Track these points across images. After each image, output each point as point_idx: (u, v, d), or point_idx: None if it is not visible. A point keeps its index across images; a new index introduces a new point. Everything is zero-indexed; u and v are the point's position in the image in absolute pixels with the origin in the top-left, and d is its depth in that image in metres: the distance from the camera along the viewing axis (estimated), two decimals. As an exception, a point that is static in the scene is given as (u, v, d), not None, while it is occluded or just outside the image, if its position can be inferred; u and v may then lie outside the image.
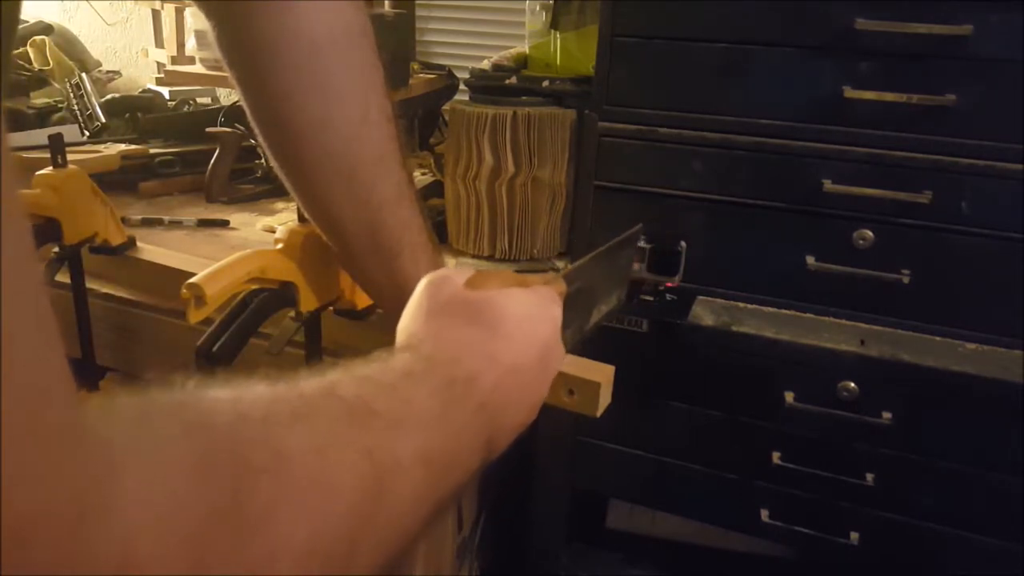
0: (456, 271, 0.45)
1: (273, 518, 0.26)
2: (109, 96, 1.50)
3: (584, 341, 0.59)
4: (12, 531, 0.18)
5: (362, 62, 0.57)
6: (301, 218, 0.67)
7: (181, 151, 1.33)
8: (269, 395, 0.30)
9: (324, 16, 0.54)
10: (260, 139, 0.59)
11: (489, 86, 1.07)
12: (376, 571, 0.31)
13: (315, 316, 0.70)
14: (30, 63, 1.68)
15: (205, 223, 1.15)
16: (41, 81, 1.67)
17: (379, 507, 0.31)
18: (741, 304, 0.94)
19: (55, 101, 1.58)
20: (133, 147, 1.29)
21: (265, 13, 0.53)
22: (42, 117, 1.51)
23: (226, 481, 0.25)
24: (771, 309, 0.93)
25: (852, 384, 0.88)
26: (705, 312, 0.92)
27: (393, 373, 0.36)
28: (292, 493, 0.27)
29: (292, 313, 0.68)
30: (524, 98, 1.04)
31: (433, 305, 0.43)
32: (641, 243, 0.95)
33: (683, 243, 0.94)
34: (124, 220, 1.02)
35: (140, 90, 1.66)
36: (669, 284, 0.96)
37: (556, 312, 0.46)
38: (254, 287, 0.64)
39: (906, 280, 0.85)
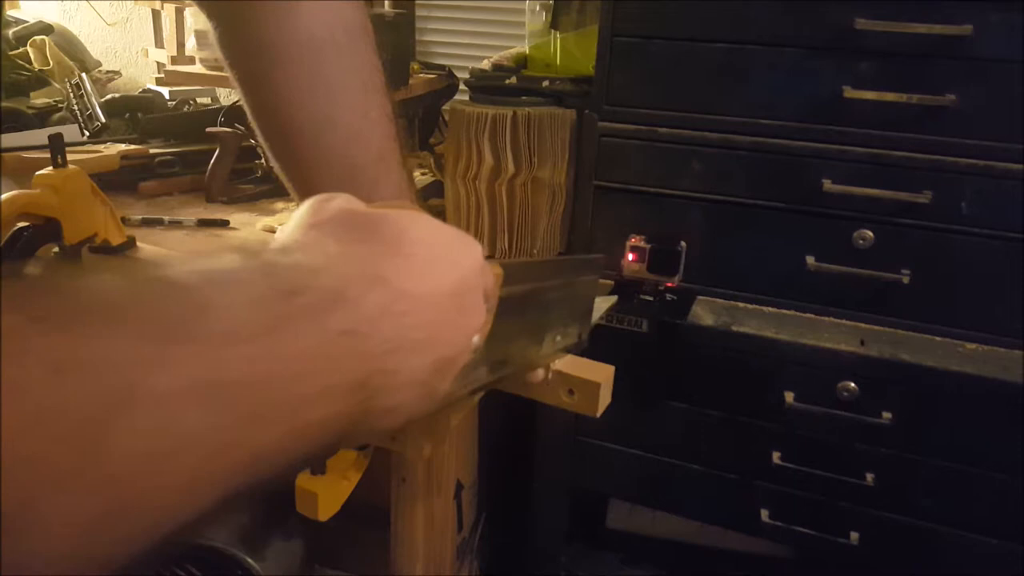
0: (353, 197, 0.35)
1: None
2: (109, 96, 1.50)
3: (524, 370, 0.50)
4: None
5: (362, 62, 0.57)
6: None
7: (181, 151, 1.33)
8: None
9: (325, 15, 0.54)
10: (260, 139, 0.60)
11: (489, 86, 1.07)
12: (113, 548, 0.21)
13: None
14: (30, 63, 1.68)
15: (205, 223, 1.15)
16: (41, 81, 1.68)
17: (89, 460, 0.20)
18: (741, 304, 0.94)
19: (55, 101, 1.58)
20: (133, 147, 1.29)
21: (266, 13, 0.53)
22: (42, 117, 1.51)
23: None
24: (771, 309, 0.93)
25: (852, 384, 0.88)
26: (705, 312, 0.92)
27: (202, 273, 0.26)
28: None
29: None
30: (524, 98, 1.04)
31: (316, 219, 0.32)
32: (641, 243, 0.95)
33: (683, 243, 0.94)
34: (124, 220, 1.02)
35: (140, 90, 1.66)
36: (669, 284, 0.96)
37: (477, 251, 0.36)
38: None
39: (906, 280, 0.85)
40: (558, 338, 0.55)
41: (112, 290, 0.23)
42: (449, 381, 0.34)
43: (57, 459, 0.19)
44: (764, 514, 0.97)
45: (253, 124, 0.59)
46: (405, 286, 0.31)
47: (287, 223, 0.33)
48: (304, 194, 0.61)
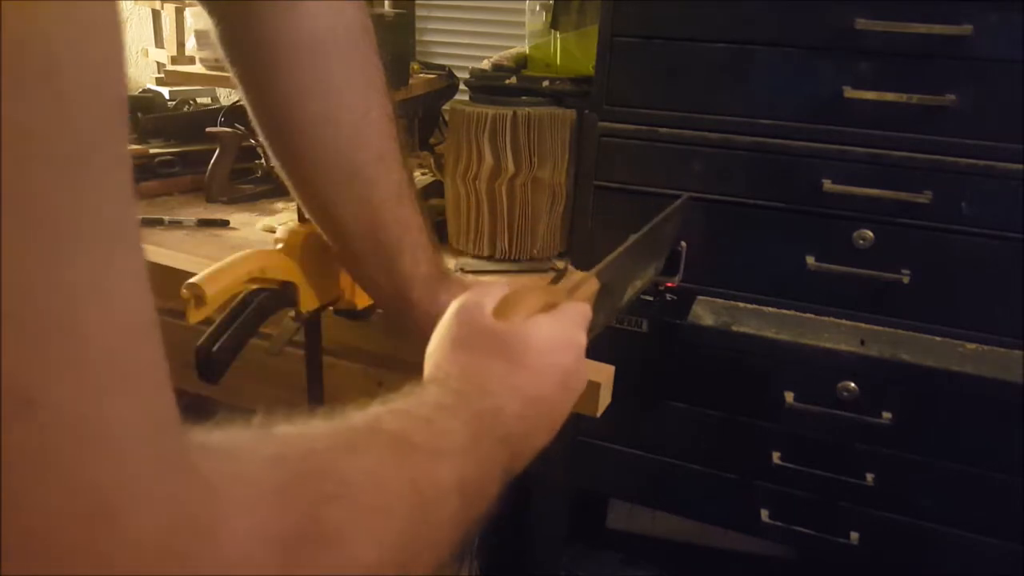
0: (484, 293, 0.46)
1: (344, 539, 0.29)
2: (109, 96, 1.50)
3: (621, 315, 0.62)
4: (132, 550, 0.21)
5: (363, 61, 0.57)
6: (301, 218, 0.67)
7: (181, 151, 1.33)
8: (328, 429, 0.34)
9: (326, 15, 0.54)
10: (261, 138, 0.60)
11: (489, 86, 1.07)
12: None
13: (315, 316, 0.70)
14: (30, 63, 1.68)
15: (205, 223, 1.15)
16: (41, 81, 1.67)
17: (424, 531, 0.34)
18: (741, 304, 0.94)
19: (55, 101, 1.57)
20: (133, 147, 1.29)
21: (268, 12, 0.53)
22: (42, 117, 1.51)
23: (304, 506, 0.28)
24: (771, 309, 0.93)
25: (852, 384, 0.88)
26: (705, 312, 0.93)
27: (427, 407, 0.39)
28: (358, 517, 0.30)
29: (292, 313, 0.68)
30: (524, 98, 1.04)
31: (460, 336, 0.44)
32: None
33: (683, 243, 0.94)
34: (124, 220, 1.02)
35: (140, 90, 1.66)
36: (669, 284, 0.96)
37: (580, 338, 0.48)
38: (254, 287, 0.64)
39: (906, 280, 0.85)
40: (637, 283, 0.67)
41: (400, 427, 0.36)
42: (559, 428, 0.47)
43: (417, 529, 0.34)
44: (764, 514, 0.97)
45: (254, 123, 0.59)
46: (533, 392, 0.43)
47: (437, 331, 0.45)
48: (305, 193, 0.61)
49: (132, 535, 0.21)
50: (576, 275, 0.56)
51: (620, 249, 0.60)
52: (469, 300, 0.46)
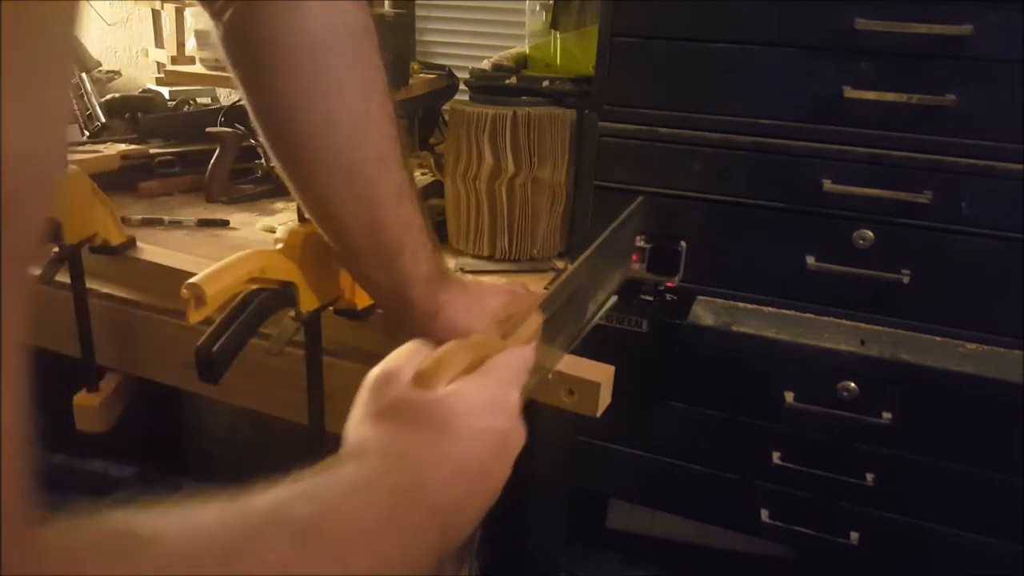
0: (404, 358, 0.43)
1: None
2: (109, 96, 1.50)
3: (582, 339, 0.58)
4: None
5: (365, 62, 0.57)
6: (301, 218, 0.67)
7: (181, 151, 1.33)
8: (216, 522, 0.30)
9: (328, 15, 0.54)
10: (262, 138, 0.60)
11: (489, 86, 1.07)
12: None
13: (315, 316, 0.70)
14: (30, 63, 1.68)
15: (205, 223, 1.15)
16: (41, 81, 1.67)
17: None
18: (741, 304, 0.94)
19: (55, 101, 1.57)
20: (133, 147, 1.29)
21: (269, 12, 0.53)
22: (42, 117, 1.51)
23: None
24: (771, 309, 0.93)
25: (852, 384, 0.88)
26: (705, 312, 0.93)
27: (340, 487, 0.36)
28: None
29: (292, 313, 0.68)
30: (524, 98, 1.04)
31: (378, 408, 0.42)
32: (641, 243, 0.95)
33: (683, 243, 0.94)
34: (124, 220, 1.02)
35: (140, 90, 1.66)
36: (669, 284, 0.96)
37: (511, 396, 0.44)
38: (254, 287, 0.64)
39: (906, 280, 0.85)
40: (600, 296, 0.63)
41: (303, 518, 0.32)
42: (499, 493, 0.44)
43: None
44: (764, 514, 0.97)
45: (255, 123, 0.59)
46: (458, 463, 0.40)
47: (355, 403, 0.42)
48: (305, 193, 0.61)
49: None
50: (520, 312, 0.51)
51: (569, 271, 0.56)
52: (385, 370, 0.43)
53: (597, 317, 0.63)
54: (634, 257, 0.92)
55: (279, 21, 0.53)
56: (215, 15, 0.56)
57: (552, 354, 0.53)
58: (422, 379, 0.42)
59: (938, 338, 0.87)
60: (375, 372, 0.43)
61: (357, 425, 0.42)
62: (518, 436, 0.44)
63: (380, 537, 0.35)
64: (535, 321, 0.50)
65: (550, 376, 0.55)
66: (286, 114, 0.56)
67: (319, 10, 0.54)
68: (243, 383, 0.83)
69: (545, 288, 0.51)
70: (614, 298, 0.67)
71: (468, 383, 0.43)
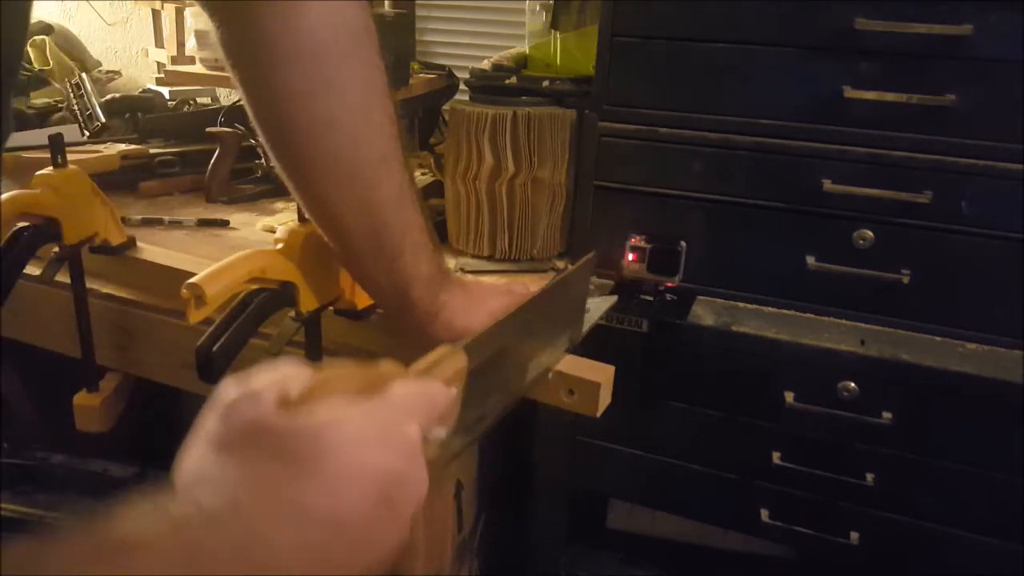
0: (273, 379, 0.33)
1: None
2: (109, 96, 1.50)
3: (513, 405, 0.51)
4: None
5: (365, 62, 0.57)
6: (301, 218, 0.67)
7: (181, 151, 1.33)
8: None
9: (328, 16, 0.54)
10: (262, 139, 0.60)
11: (489, 86, 1.07)
12: None
13: (315, 316, 0.70)
14: (30, 63, 1.68)
15: (205, 223, 1.15)
16: (41, 81, 1.68)
17: None
18: (741, 304, 0.94)
19: (55, 101, 1.58)
20: (133, 147, 1.29)
21: (269, 13, 0.53)
22: (42, 117, 1.51)
23: None
24: (771, 309, 0.93)
25: (852, 384, 0.88)
26: (705, 312, 0.93)
27: (111, 539, 0.26)
28: None
29: (292, 313, 0.68)
30: (524, 98, 1.04)
31: (224, 434, 0.31)
32: (641, 243, 0.95)
33: (683, 243, 0.94)
34: (124, 220, 1.02)
35: (140, 90, 1.66)
36: (669, 284, 0.96)
37: (409, 430, 0.34)
38: (254, 287, 0.64)
39: (906, 280, 0.85)
40: (544, 357, 0.55)
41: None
42: (390, 559, 0.33)
43: None
44: (764, 514, 0.97)
45: (255, 124, 0.59)
46: (325, 511, 0.29)
47: (200, 424, 0.32)
48: (306, 194, 0.61)
49: None
50: (438, 350, 0.41)
51: (502, 319, 0.47)
52: (244, 389, 0.32)
53: (535, 380, 0.55)
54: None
55: (279, 22, 0.53)
56: (214, 15, 0.55)
57: (483, 414, 0.45)
58: (290, 402, 0.32)
59: (938, 338, 0.87)
60: (229, 390, 0.32)
61: (191, 455, 0.31)
62: (417, 482, 0.34)
63: None
64: (458, 361, 0.40)
65: (478, 437, 0.46)
66: (286, 115, 0.56)
67: (319, 11, 0.54)
68: (243, 383, 0.83)
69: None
70: (554, 361, 0.59)
71: (351, 408, 0.33)
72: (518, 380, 0.52)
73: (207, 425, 0.32)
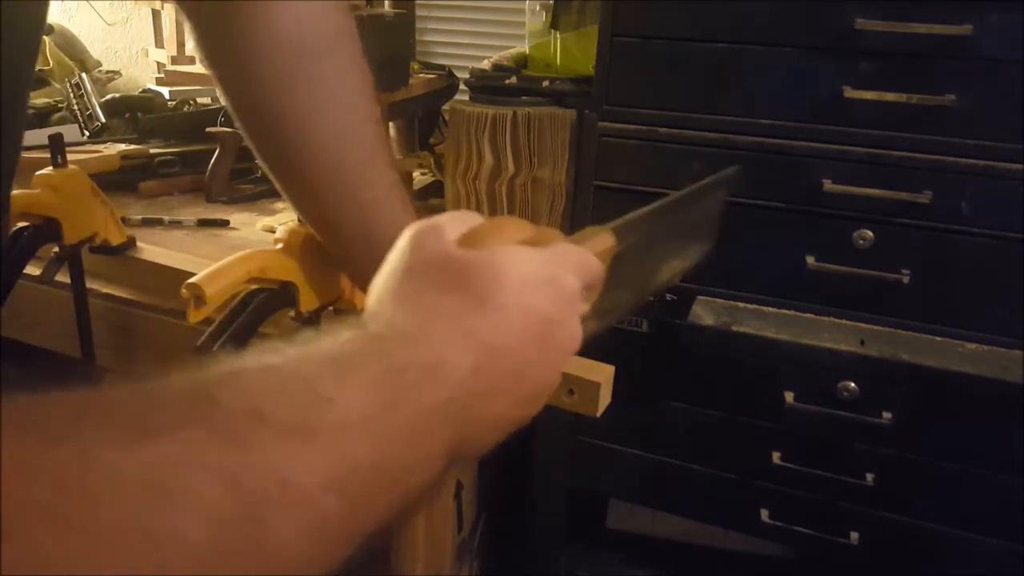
0: (451, 219, 0.36)
1: None
2: (109, 96, 1.50)
3: (648, 300, 0.51)
4: None
5: (347, 65, 0.57)
6: (301, 218, 0.67)
7: (181, 151, 1.33)
8: (102, 402, 0.22)
9: (309, 19, 0.54)
10: (247, 141, 0.60)
11: (489, 86, 1.07)
12: None
13: (315, 316, 0.70)
14: (30, 63, 1.68)
15: (205, 223, 1.15)
16: (41, 81, 1.67)
17: (251, 554, 0.23)
18: (741, 304, 0.94)
19: (55, 101, 1.58)
20: (133, 147, 1.29)
21: (250, 15, 0.53)
22: (42, 117, 1.51)
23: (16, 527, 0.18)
24: (771, 309, 0.93)
25: (852, 384, 0.88)
26: (705, 312, 0.92)
27: (319, 358, 0.28)
28: (111, 547, 0.19)
29: (292, 313, 0.68)
30: (524, 98, 1.04)
31: (409, 262, 0.34)
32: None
33: (683, 243, 0.94)
34: (124, 220, 1.02)
35: (140, 90, 1.66)
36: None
37: (572, 281, 0.36)
38: (254, 287, 0.64)
39: (906, 280, 0.85)
40: (675, 262, 0.56)
41: (253, 391, 0.25)
42: (539, 406, 0.36)
43: (231, 556, 0.22)
44: (764, 514, 0.97)
45: (238, 125, 0.59)
46: (494, 340, 0.32)
47: (387, 259, 0.35)
48: (293, 195, 0.61)
49: None
50: (587, 230, 0.43)
51: (648, 208, 0.47)
52: (426, 223, 0.35)
53: (662, 286, 0.54)
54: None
55: (261, 25, 0.53)
56: (192, 16, 0.56)
57: (615, 304, 0.44)
58: (471, 238, 0.35)
59: (938, 338, 0.87)
60: (416, 225, 0.35)
61: (381, 282, 0.35)
62: (572, 331, 0.36)
63: (355, 434, 0.26)
64: (606, 240, 0.42)
65: (605, 329, 0.45)
66: (269, 119, 0.56)
67: (300, 13, 0.54)
68: (243, 383, 0.83)
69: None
70: (683, 268, 0.58)
71: (523, 251, 0.35)
72: (649, 279, 0.52)
73: (394, 256, 0.35)
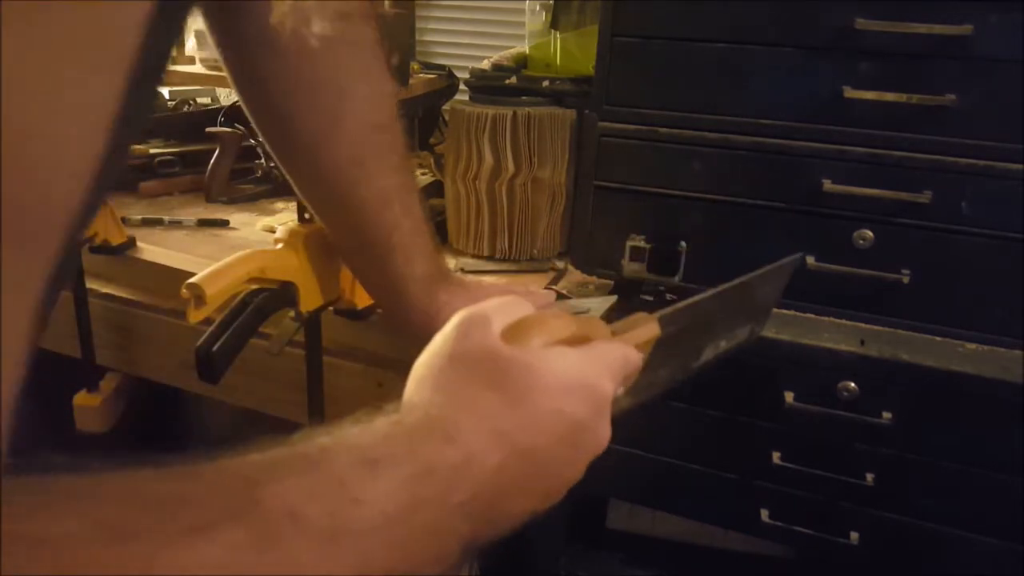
0: (502, 307, 0.37)
1: None
2: (109, 96, 1.50)
3: (692, 377, 0.52)
4: None
5: (350, 67, 0.57)
6: (301, 218, 0.67)
7: (181, 151, 1.33)
8: (154, 495, 0.24)
9: (319, 19, 0.55)
10: (260, 136, 0.60)
11: (489, 86, 1.07)
12: None
13: (315, 316, 0.70)
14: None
15: (205, 223, 1.15)
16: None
17: None
18: (741, 304, 0.94)
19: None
20: (133, 147, 1.29)
21: (258, 11, 0.53)
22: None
23: None
24: (771, 309, 0.93)
25: (852, 384, 0.88)
26: (705, 312, 0.92)
27: (354, 457, 0.29)
28: None
29: (292, 313, 0.68)
30: (524, 98, 1.04)
31: (455, 350, 0.35)
32: (641, 243, 0.95)
33: (683, 243, 0.94)
34: (124, 220, 1.02)
35: (140, 90, 1.66)
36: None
37: (605, 386, 0.38)
38: (254, 287, 0.64)
39: (906, 280, 0.85)
40: (722, 343, 0.56)
41: (289, 492, 0.26)
42: (558, 499, 0.39)
43: None
44: (764, 514, 0.97)
45: (256, 127, 0.59)
46: (524, 442, 0.34)
47: (432, 341, 0.37)
48: (299, 186, 0.61)
49: None
50: (635, 317, 0.44)
51: (698, 297, 0.49)
52: (475, 313, 0.37)
53: (705, 364, 0.55)
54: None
55: (260, 18, 0.54)
56: (205, 14, 0.56)
57: (653, 382, 0.46)
58: (515, 332, 0.36)
59: (938, 338, 0.87)
60: (465, 312, 0.37)
61: (425, 362, 0.36)
62: (600, 435, 0.39)
63: (379, 534, 0.28)
64: (651, 330, 0.43)
65: (640, 405, 0.47)
66: (271, 107, 0.57)
67: (304, 11, 0.54)
68: (243, 383, 0.83)
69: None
70: (728, 348, 0.58)
71: (562, 353, 0.37)
72: (692, 359, 0.53)
73: (438, 340, 0.36)
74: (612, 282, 0.98)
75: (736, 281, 0.55)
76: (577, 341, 0.38)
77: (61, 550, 0.21)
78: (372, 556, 0.28)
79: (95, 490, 0.23)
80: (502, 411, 0.34)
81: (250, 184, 1.31)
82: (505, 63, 1.13)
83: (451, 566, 0.31)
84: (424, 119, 1.44)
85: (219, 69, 1.29)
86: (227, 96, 1.66)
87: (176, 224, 1.14)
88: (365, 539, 0.27)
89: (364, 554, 0.27)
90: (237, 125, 1.32)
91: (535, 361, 0.35)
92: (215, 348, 0.59)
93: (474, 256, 1.10)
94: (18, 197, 0.18)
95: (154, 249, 0.93)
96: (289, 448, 0.28)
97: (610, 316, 0.91)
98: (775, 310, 0.93)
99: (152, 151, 1.30)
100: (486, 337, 0.35)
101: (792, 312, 0.92)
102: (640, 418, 1.01)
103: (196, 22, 1.43)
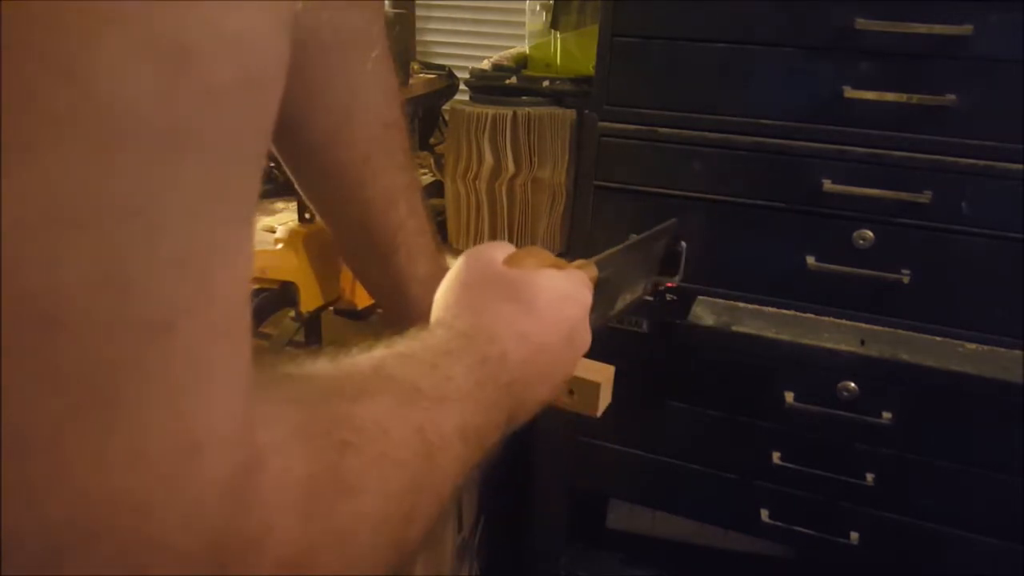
0: (494, 247, 0.47)
1: (356, 490, 0.29)
2: (109, 96, 1.50)
3: (605, 327, 0.61)
4: (209, 488, 0.22)
5: (356, 65, 0.57)
6: (301, 218, 0.67)
7: (181, 151, 1.33)
8: (336, 373, 0.33)
9: (348, 13, 0.55)
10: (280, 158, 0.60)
11: (489, 86, 1.07)
12: (420, 540, 0.34)
13: (315, 316, 0.70)
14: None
15: (205, 223, 1.15)
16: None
17: (428, 480, 0.34)
18: (741, 304, 0.94)
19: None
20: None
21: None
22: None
23: (325, 453, 0.28)
24: (771, 309, 0.93)
25: (852, 384, 0.88)
26: (705, 312, 0.93)
27: (432, 352, 0.38)
28: (370, 467, 0.30)
29: (292, 313, 0.68)
30: (524, 98, 1.04)
31: (470, 279, 0.44)
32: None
33: (683, 243, 0.94)
34: (124, 220, 1.02)
35: (140, 90, 1.66)
36: (669, 284, 0.96)
37: (587, 295, 0.48)
38: (254, 287, 0.64)
39: (906, 280, 0.85)
40: (627, 296, 0.67)
41: (410, 372, 0.36)
42: (560, 390, 0.48)
43: (424, 479, 0.33)
44: (764, 514, 0.97)
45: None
46: (539, 340, 0.43)
47: (446, 277, 0.46)
48: (301, 185, 0.61)
49: (210, 474, 0.22)
50: (578, 262, 0.56)
51: (614, 249, 0.60)
52: (477, 248, 0.47)
53: (616, 314, 0.66)
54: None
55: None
56: None
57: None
58: (514, 260, 0.46)
59: (938, 338, 0.87)
60: (468, 251, 0.46)
61: (447, 292, 0.44)
62: (587, 336, 0.48)
63: (465, 402, 0.37)
64: (592, 270, 0.53)
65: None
66: (286, 112, 0.57)
67: (336, 9, 0.54)
68: (243, 383, 0.83)
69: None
70: (631, 302, 0.70)
71: (551, 272, 0.46)
72: (608, 308, 0.62)
73: (452, 273, 0.45)
74: (612, 282, 0.98)
75: (639, 237, 0.68)
76: (555, 266, 0.48)
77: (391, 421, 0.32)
78: (466, 416, 0.37)
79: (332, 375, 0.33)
80: (520, 317, 0.43)
81: (250, 184, 1.31)
82: (505, 63, 1.13)
83: (501, 436, 0.40)
84: (424, 119, 1.44)
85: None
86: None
87: (176, 224, 1.13)
88: (460, 403, 0.37)
89: (462, 412, 0.36)
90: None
91: (536, 278, 0.45)
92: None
93: (474, 256, 1.10)
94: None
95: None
96: (395, 348, 0.37)
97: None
98: (775, 310, 0.93)
99: (152, 151, 1.30)
100: (492, 263, 0.45)
101: (792, 312, 0.92)
102: (640, 418, 1.01)
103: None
